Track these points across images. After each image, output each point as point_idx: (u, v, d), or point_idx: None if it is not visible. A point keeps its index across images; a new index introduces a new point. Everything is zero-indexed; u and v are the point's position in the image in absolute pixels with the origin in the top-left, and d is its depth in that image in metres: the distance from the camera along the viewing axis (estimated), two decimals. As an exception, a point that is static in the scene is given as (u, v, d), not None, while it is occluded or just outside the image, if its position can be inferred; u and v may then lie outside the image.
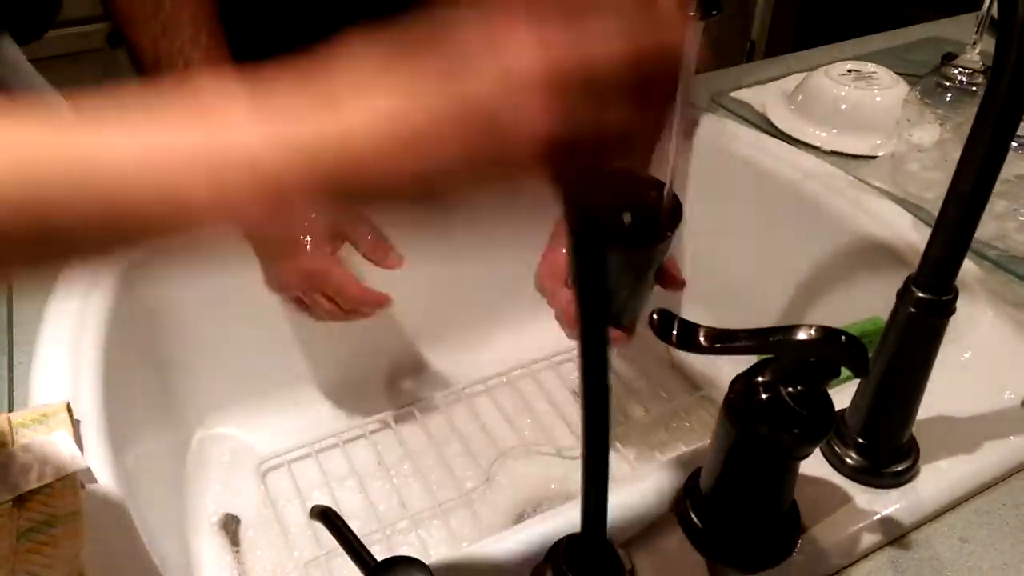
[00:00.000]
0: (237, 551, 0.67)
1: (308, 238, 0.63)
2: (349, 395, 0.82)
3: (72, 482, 0.46)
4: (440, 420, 0.81)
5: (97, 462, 0.49)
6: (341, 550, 0.65)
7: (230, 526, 0.68)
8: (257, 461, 0.74)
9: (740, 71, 1.03)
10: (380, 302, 0.66)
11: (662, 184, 0.58)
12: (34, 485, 0.45)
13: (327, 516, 0.44)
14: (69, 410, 0.50)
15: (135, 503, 0.49)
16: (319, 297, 0.65)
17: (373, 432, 0.79)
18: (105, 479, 0.48)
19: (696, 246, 0.92)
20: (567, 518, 0.46)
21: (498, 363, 0.86)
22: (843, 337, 0.37)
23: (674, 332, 0.40)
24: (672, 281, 0.63)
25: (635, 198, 0.58)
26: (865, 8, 2.20)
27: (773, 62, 1.07)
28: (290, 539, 0.68)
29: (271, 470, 0.75)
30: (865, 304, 0.63)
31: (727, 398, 0.42)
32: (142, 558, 0.45)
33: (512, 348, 0.87)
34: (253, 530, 0.69)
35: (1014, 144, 0.70)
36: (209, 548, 0.67)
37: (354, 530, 0.44)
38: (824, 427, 0.40)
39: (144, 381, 0.67)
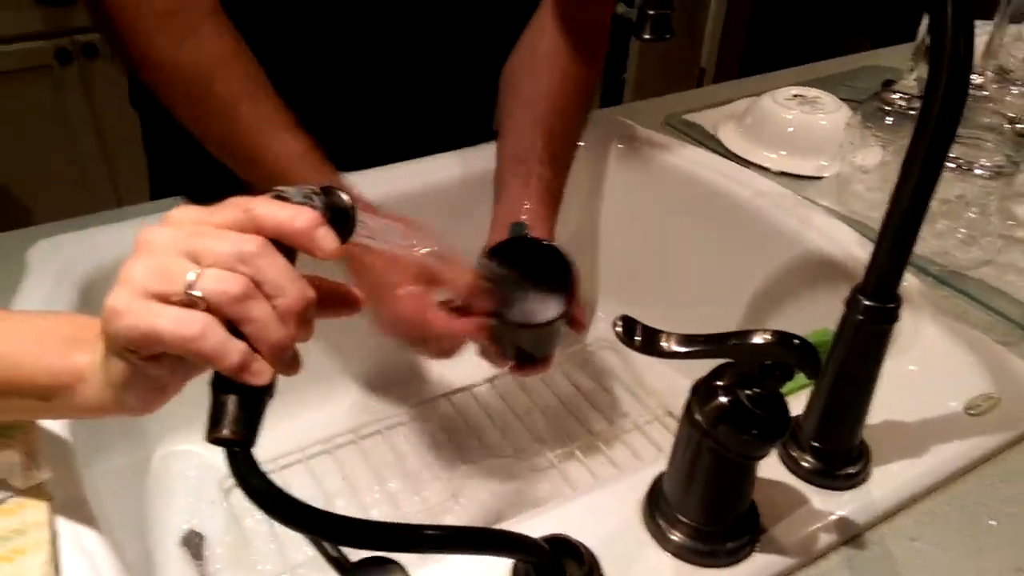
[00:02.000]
0: (201, 567, 0.66)
1: (402, 284, 0.63)
2: (312, 412, 0.82)
3: (38, 494, 0.46)
4: (406, 435, 0.81)
5: (62, 476, 0.48)
6: (306, 567, 0.66)
7: (194, 543, 0.67)
8: (220, 477, 0.74)
9: (692, 95, 1.06)
10: (474, 331, 0.65)
11: (556, 250, 0.66)
12: None
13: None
14: (32, 424, 0.50)
15: (100, 517, 0.49)
16: (420, 345, 0.66)
17: (337, 448, 0.79)
18: (70, 492, 0.48)
19: (649, 263, 0.94)
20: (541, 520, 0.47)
21: (465, 377, 0.87)
22: (796, 340, 0.40)
23: (637, 337, 0.42)
24: (576, 323, 0.68)
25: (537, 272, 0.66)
26: (805, 39, 2.28)
27: (722, 87, 1.11)
28: (255, 556, 0.68)
29: (235, 487, 0.74)
30: (815, 316, 0.65)
31: (688, 401, 0.43)
32: (109, 570, 0.45)
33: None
34: (217, 547, 0.68)
35: (952, 166, 0.74)
36: (173, 565, 0.66)
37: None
38: (780, 428, 0.42)
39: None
